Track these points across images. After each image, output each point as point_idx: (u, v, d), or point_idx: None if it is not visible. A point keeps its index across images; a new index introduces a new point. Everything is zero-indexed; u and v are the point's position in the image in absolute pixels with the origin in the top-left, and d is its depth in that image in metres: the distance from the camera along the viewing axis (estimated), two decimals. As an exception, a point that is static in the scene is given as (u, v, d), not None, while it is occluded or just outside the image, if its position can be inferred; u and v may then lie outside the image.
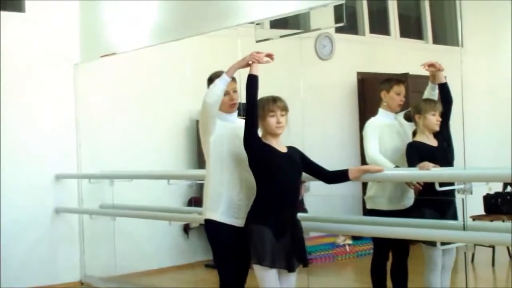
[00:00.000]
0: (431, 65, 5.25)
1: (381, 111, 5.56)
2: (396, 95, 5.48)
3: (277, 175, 4.35)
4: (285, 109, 4.43)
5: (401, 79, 5.83)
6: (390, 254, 5.58)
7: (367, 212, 5.53)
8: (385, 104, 5.53)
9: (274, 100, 4.43)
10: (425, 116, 5.13)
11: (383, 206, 5.36)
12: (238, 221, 4.51)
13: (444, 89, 5.25)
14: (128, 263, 7.99)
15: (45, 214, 7.68)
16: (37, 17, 7.66)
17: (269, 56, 4.52)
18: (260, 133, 4.47)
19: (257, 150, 4.38)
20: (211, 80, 4.64)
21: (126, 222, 7.76)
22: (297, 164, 4.47)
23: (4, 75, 7.35)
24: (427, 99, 5.27)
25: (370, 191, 5.47)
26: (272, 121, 4.39)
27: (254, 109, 4.34)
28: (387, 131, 5.43)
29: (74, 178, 7.88)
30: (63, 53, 7.83)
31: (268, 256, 4.26)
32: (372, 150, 5.37)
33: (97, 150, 7.91)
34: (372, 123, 5.52)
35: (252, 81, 4.37)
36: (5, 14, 7.39)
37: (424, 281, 5.22)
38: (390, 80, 5.58)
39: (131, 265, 8.04)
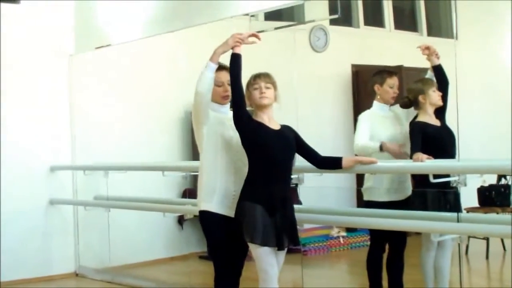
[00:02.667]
0: (426, 48, 5.29)
1: (375, 103, 5.56)
2: (389, 88, 5.48)
3: (268, 151, 4.34)
4: (269, 82, 4.42)
5: (393, 71, 5.83)
6: (386, 246, 5.59)
7: (365, 203, 5.52)
8: (378, 97, 5.54)
9: (258, 75, 4.45)
10: (428, 93, 5.20)
11: (381, 197, 5.34)
12: (233, 212, 4.50)
13: (439, 71, 5.31)
14: (123, 254, 7.99)
15: (40, 206, 7.68)
16: (32, 8, 7.62)
17: (255, 36, 4.52)
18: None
19: (246, 127, 4.37)
20: None
21: (121, 213, 7.75)
22: (289, 142, 4.45)
23: (-2, 66, 7.35)
24: (422, 79, 5.33)
25: (367, 182, 5.46)
26: (255, 93, 4.39)
27: (239, 86, 4.34)
28: (380, 121, 5.43)
29: (68, 169, 7.87)
30: (58, 45, 7.81)
31: (259, 234, 4.26)
32: (358, 137, 5.39)
33: (91, 141, 7.90)
34: (364, 115, 5.54)
35: (236, 60, 4.38)
36: (-1, 4, 7.39)
37: (420, 260, 5.29)
38: (382, 72, 5.58)
39: (126, 256, 8.04)
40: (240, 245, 4.47)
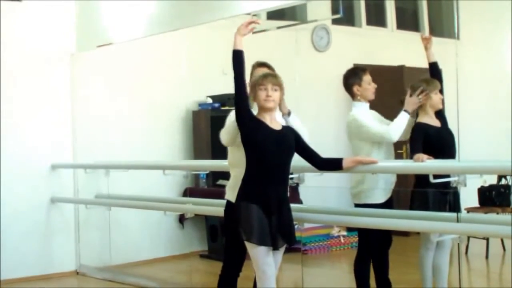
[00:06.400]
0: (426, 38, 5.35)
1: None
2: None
3: (265, 152, 4.34)
4: (277, 84, 4.40)
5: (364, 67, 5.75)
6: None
7: (360, 207, 5.29)
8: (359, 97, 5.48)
9: (266, 75, 4.44)
10: (430, 96, 5.20)
11: (379, 199, 5.20)
12: None
13: (435, 68, 5.35)
14: (123, 253, 8.00)
15: (41, 204, 7.68)
16: (34, 6, 7.63)
17: (253, 22, 4.50)
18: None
19: (246, 125, 4.38)
20: None
21: (122, 212, 7.78)
22: (289, 143, 4.44)
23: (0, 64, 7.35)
24: (426, 80, 5.31)
25: (360, 185, 5.25)
26: (261, 94, 4.37)
27: (242, 83, 4.36)
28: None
29: (70, 167, 7.87)
30: (60, 43, 7.82)
31: (256, 234, 4.26)
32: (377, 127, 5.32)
33: (93, 140, 7.90)
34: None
35: (237, 56, 4.38)
36: (1, 3, 7.37)
37: (418, 259, 5.28)
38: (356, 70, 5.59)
39: (126, 255, 8.05)
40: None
